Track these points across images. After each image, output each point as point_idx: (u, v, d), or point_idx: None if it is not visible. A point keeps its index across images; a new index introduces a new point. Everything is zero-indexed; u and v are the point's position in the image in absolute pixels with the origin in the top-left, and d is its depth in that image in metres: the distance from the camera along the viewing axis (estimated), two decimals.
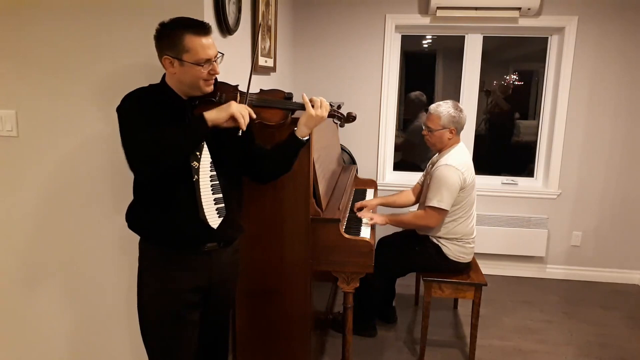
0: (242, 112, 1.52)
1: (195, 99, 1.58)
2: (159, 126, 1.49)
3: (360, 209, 2.69)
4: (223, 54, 1.57)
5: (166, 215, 1.55)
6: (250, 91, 1.63)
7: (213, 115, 1.49)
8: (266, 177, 1.83)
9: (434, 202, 2.50)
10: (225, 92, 1.61)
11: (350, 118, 1.77)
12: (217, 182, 1.59)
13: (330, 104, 1.72)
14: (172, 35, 1.47)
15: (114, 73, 1.92)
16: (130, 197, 1.63)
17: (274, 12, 2.88)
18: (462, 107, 2.62)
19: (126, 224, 1.64)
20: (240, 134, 1.54)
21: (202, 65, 1.50)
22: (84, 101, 1.96)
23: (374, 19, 3.61)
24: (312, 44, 3.71)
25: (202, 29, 1.50)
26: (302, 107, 1.69)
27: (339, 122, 1.78)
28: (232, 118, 1.51)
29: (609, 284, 3.72)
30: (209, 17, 1.92)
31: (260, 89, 1.74)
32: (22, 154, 2.04)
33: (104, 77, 1.94)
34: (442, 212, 2.51)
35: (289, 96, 1.69)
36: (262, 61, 2.69)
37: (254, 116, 1.57)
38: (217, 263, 1.66)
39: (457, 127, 2.58)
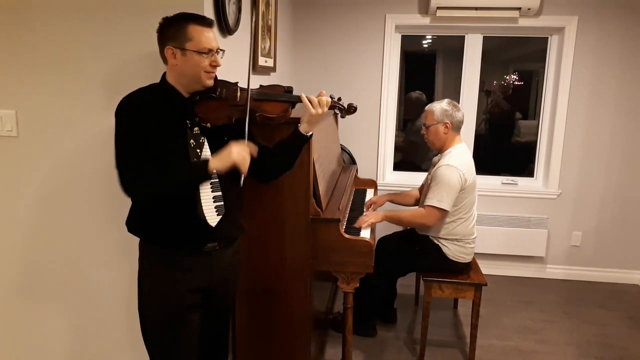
0: (245, 157, 1.51)
1: (195, 95, 1.58)
2: (159, 129, 1.50)
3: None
4: (224, 50, 1.59)
5: (165, 214, 1.55)
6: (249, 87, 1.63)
7: (217, 164, 1.49)
8: (267, 175, 1.83)
9: (434, 202, 2.50)
10: (226, 89, 1.61)
11: (351, 109, 1.79)
12: (217, 180, 1.59)
13: (331, 96, 1.73)
14: (176, 25, 1.51)
15: (114, 73, 1.92)
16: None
17: (274, 12, 2.88)
18: (461, 106, 2.65)
19: (126, 227, 1.63)
20: (242, 183, 1.54)
21: (205, 55, 1.51)
22: (84, 101, 1.96)
23: (374, 19, 3.61)
24: (312, 44, 3.71)
25: (205, 21, 1.54)
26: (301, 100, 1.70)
27: (340, 114, 1.81)
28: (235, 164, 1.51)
29: (609, 284, 3.72)
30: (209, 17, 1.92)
31: (260, 85, 1.74)
32: (22, 154, 2.03)
33: (104, 77, 1.93)
34: (441, 212, 2.51)
35: (289, 90, 1.71)
36: (262, 61, 2.69)
37: (255, 155, 1.57)
38: (218, 264, 1.66)
39: (451, 122, 2.59)
